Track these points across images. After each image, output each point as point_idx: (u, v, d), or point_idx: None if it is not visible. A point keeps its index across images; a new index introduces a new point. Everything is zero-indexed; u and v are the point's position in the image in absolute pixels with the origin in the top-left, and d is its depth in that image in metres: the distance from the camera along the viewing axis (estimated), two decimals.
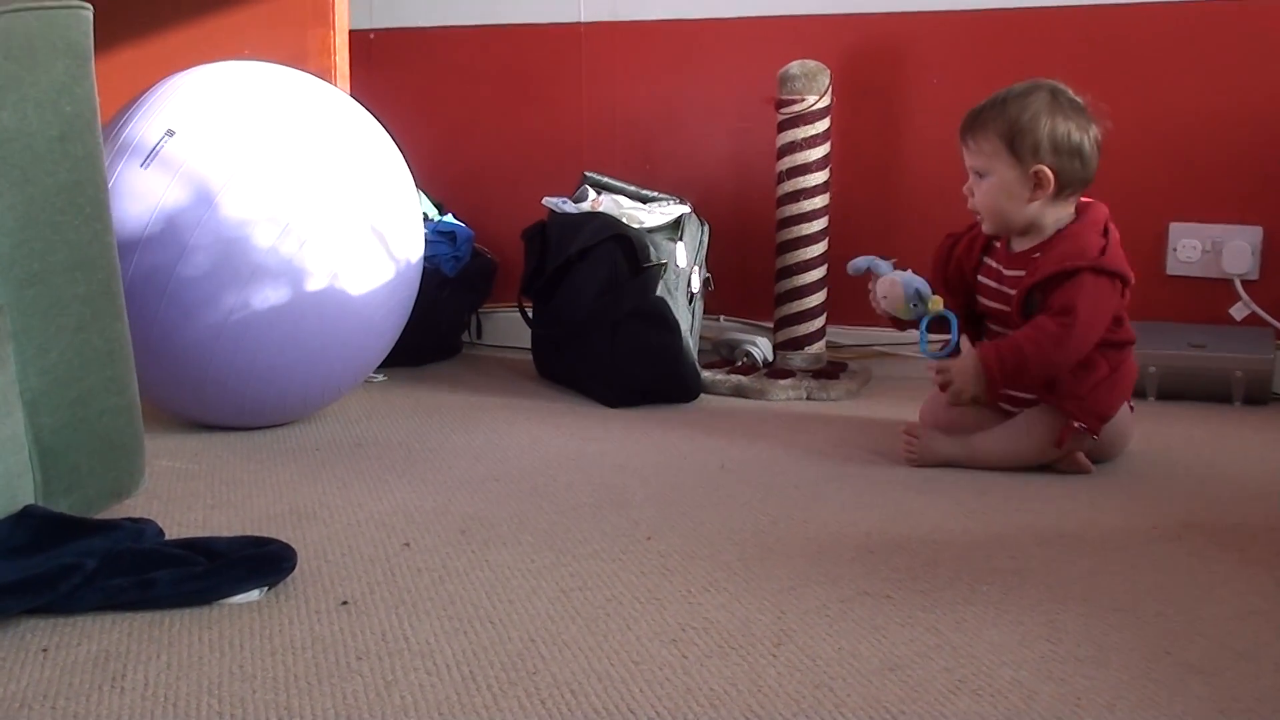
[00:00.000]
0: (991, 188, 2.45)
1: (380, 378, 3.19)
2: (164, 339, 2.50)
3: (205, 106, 2.54)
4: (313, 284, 2.52)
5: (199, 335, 2.49)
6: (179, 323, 2.49)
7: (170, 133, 2.47)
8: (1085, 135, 2.41)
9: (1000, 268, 2.51)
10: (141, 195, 2.44)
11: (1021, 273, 2.44)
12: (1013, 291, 2.44)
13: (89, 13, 2.00)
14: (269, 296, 2.49)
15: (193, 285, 2.46)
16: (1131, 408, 2.53)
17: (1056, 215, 2.44)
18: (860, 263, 2.56)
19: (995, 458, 2.45)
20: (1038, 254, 2.43)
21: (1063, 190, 2.41)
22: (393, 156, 2.74)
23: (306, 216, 2.49)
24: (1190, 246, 3.16)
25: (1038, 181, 2.40)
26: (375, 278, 2.63)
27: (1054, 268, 2.37)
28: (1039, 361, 2.35)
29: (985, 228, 2.52)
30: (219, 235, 2.45)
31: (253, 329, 2.50)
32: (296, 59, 3.03)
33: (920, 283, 2.48)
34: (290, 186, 2.50)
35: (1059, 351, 2.34)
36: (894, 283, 2.51)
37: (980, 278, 2.56)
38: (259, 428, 2.72)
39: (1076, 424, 2.39)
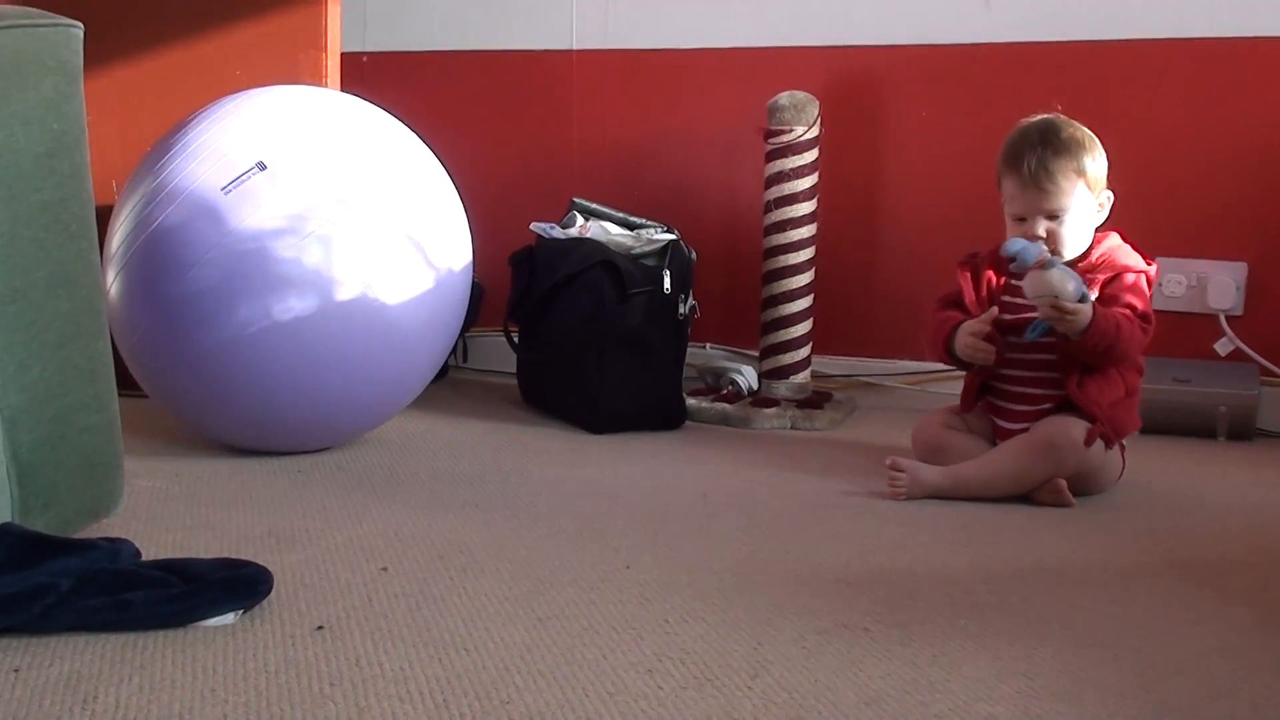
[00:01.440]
0: (1072, 223, 2.52)
1: None
2: (181, 350, 2.50)
3: (304, 146, 2.55)
4: (342, 294, 2.50)
5: (211, 347, 2.48)
6: (192, 333, 2.49)
7: (262, 166, 2.46)
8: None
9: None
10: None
11: None
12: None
13: (79, 31, 2.00)
14: (292, 307, 2.48)
15: (205, 296, 2.46)
16: (1123, 445, 2.53)
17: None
18: (1015, 246, 2.47)
19: (981, 485, 2.45)
20: (1083, 260, 2.53)
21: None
22: (429, 164, 2.74)
23: (334, 222, 2.49)
24: (1175, 281, 3.16)
25: (1100, 205, 2.55)
26: (413, 289, 2.59)
27: (1121, 265, 2.51)
28: (1124, 342, 2.43)
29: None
30: (234, 246, 2.45)
31: (273, 342, 2.48)
32: (288, 81, 3.03)
33: (1077, 281, 2.44)
34: (316, 190, 2.50)
35: (1134, 345, 2.47)
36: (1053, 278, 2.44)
37: (1006, 297, 2.60)
38: (286, 453, 2.70)
39: (1099, 428, 2.44)
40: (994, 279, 2.63)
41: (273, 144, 2.51)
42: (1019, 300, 2.54)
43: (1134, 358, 2.50)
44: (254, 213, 2.45)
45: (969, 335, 2.56)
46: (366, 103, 2.75)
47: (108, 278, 2.57)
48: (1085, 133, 2.55)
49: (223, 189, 2.46)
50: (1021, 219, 2.53)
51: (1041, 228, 2.51)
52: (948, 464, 2.51)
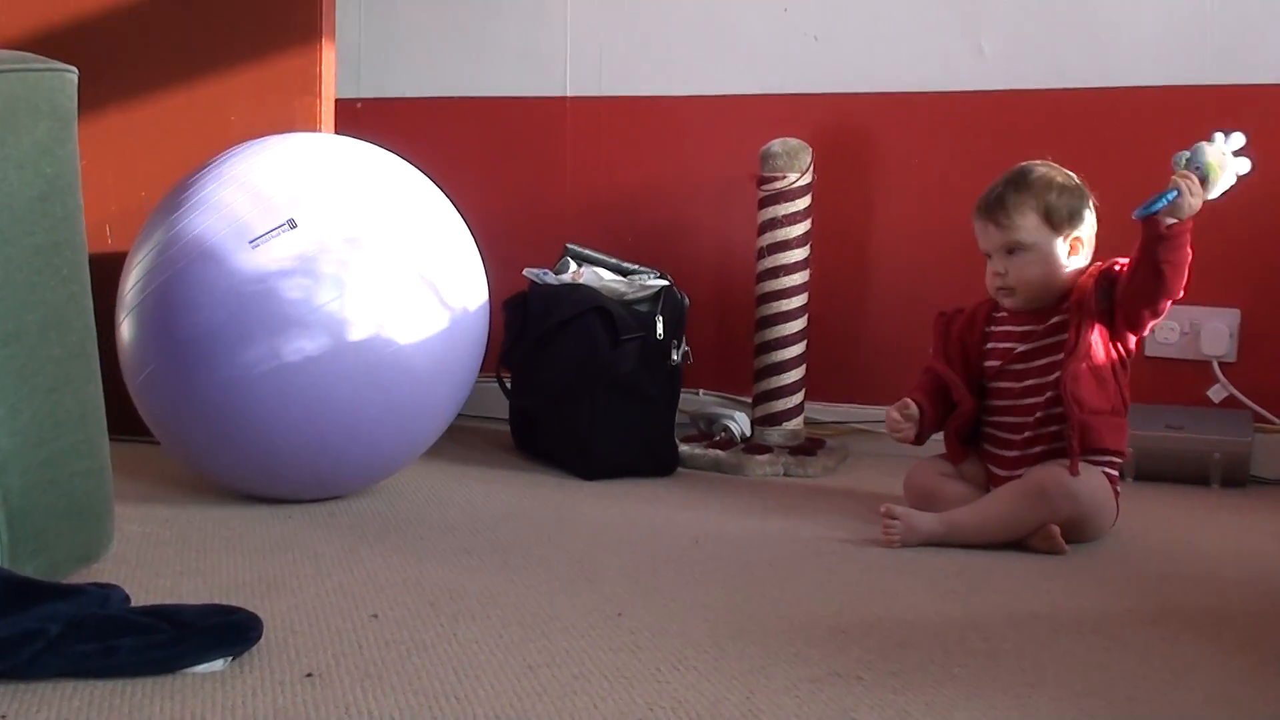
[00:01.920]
0: (1029, 260, 2.55)
1: None
2: (181, 393, 2.51)
3: (320, 191, 2.56)
4: (354, 337, 2.49)
5: (213, 389, 2.48)
6: (196, 375, 2.49)
7: (292, 224, 2.47)
8: (1090, 203, 2.59)
9: (1018, 328, 2.61)
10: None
11: (1053, 320, 2.57)
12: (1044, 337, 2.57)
13: (74, 76, 2.00)
14: (301, 349, 2.47)
15: (213, 336, 2.46)
16: (1118, 491, 2.53)
17: (1075, 278, 2.57)
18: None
19: (975, 531, 2.44)
20: (1065, 303, 2.55)
21: (1085, 255, 2.58)
22: (442, 206, 2.75)
23: (347, 264, 2.49)
24: (1168, 328, 3.16)
25: (1072, 248, 2.55)
26: (427, 331, 2.59)
27: (1108, 264, 2.55)
28: (1186, 259, 2.44)
29: (1013, 303, 2.60)
30: (243, 286, 2.45)
31: (277, 386, 2.48)
32: (282, 127, 3.04)
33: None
34: (328, 235, 2.50)
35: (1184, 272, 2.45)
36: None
37: (991, 344, 2.64)
38: (292, 501, 2.69)
39: (1076, 461, 2.45)
40: (972, 328, 2.67)
41: (290, 194, 2.52)
42: (1004, 345, 2.60)
43: (1180, 286, 2.45)
44: (269, 258, 2.45)
45: (892, 412, 2.65)
46: (378, 148, 2.76)
47: (119, 320, 2.57)
48: (1064, 177, 2.59)
49: (250, 243, 2.46)
50: (988, 255, 2.60)
51: (1001, 264, 2.57)
52: (941, 511, 2.51)
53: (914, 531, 2.45)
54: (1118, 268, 2.51)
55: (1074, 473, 2.43)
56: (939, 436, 2.68)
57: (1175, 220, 2.39)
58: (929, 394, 2.66)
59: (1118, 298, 2.49)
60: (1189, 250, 2.42)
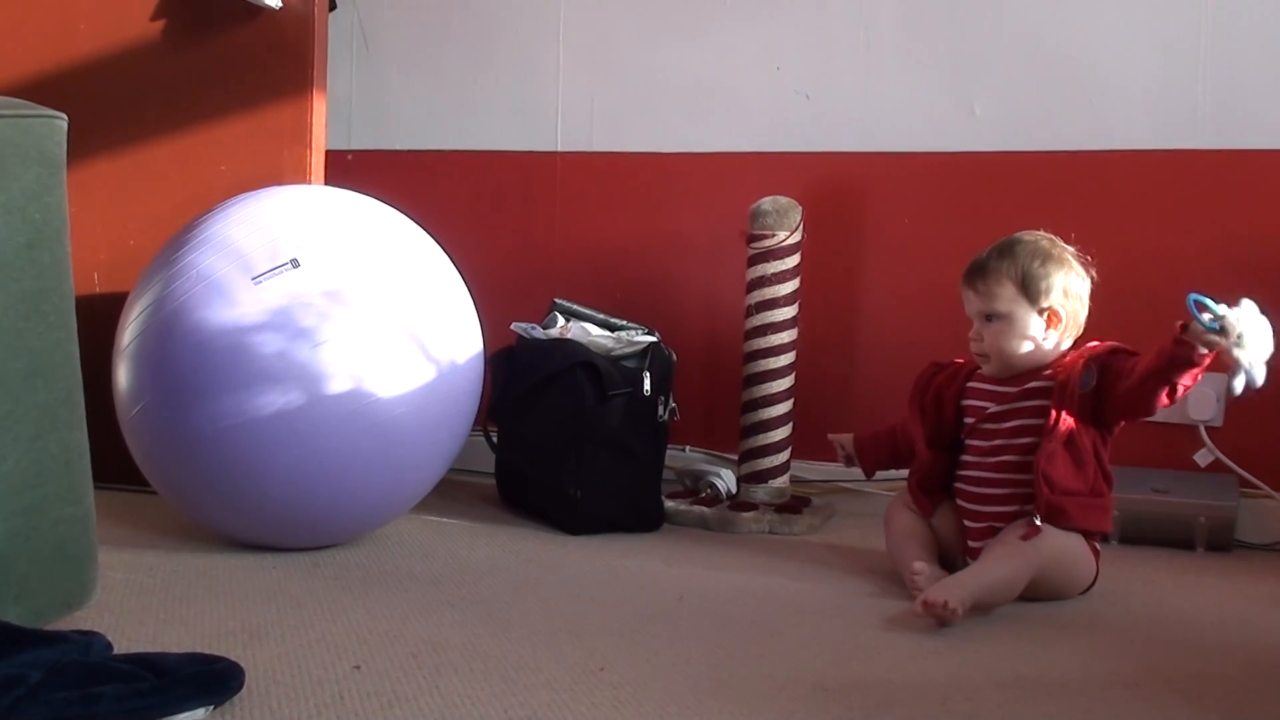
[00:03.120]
0: (1003, 328, 2.58)
1: None
2: (174, 437, 2.51)
3: (325, 239, 2.58)
4: (345, 385, 2.50)
5: (206, 435, 2.48)
6: (189, 420, 2.49)
7: (295, 263, 2.47)
8: (1085, 281, 2.60)
9: (995, 388, 2.64)
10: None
11: (1028, 385, 2.59)
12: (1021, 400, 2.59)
13: (63, 123, 2.01)
14: (292, 401, 2.47)
15: (203, 384, 2.47)
16: (1097, 553, 2.54)
17: (1057, 353, 2.59)
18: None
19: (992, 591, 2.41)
20: (1044, 373, 2.58)
21: (1065, 330, 2.58)
22: (435, 258, 2.77)
23: (339, 318, 2.50)
24: None
25: (1049, 321, 2.56)
26: (418, 383, 2.59)
27: (1107, 350, 2.55)
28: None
29: (989, 369, 2.64)
30: (234, 336, 2.46)
31: (269, 433, 2.48)
32: (273, 177, 3.05)
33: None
34: (321, 285, 2.51)
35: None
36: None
37: (968, 400, 2.67)
38: (281, 549, 2.69)
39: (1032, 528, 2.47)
40: (953, 381, 2.71)
41: (297, 239, 2.54)
42: (978, 404, 2.65)
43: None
44: (263, 306, 2.46)
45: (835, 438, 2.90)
46: (376, 200, 2.77)
47: (116, 364, 2.58)
48: (1052, 248, 2.59)
49: (254, 279, 2.47)
50: (971, 319, 2.64)
51: (978, 330, 2.61)
52: (914, 550, 2.58)
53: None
54: (1118, 360, 2.52)
55: (1024, 537, 2.45)
56: None
57: (1206, 350, 2.32)
58: (885, 433, 2.85)
59: (1110, 391, 2.49)
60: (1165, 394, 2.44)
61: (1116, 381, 2.48)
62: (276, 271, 2.47)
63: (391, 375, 2.53)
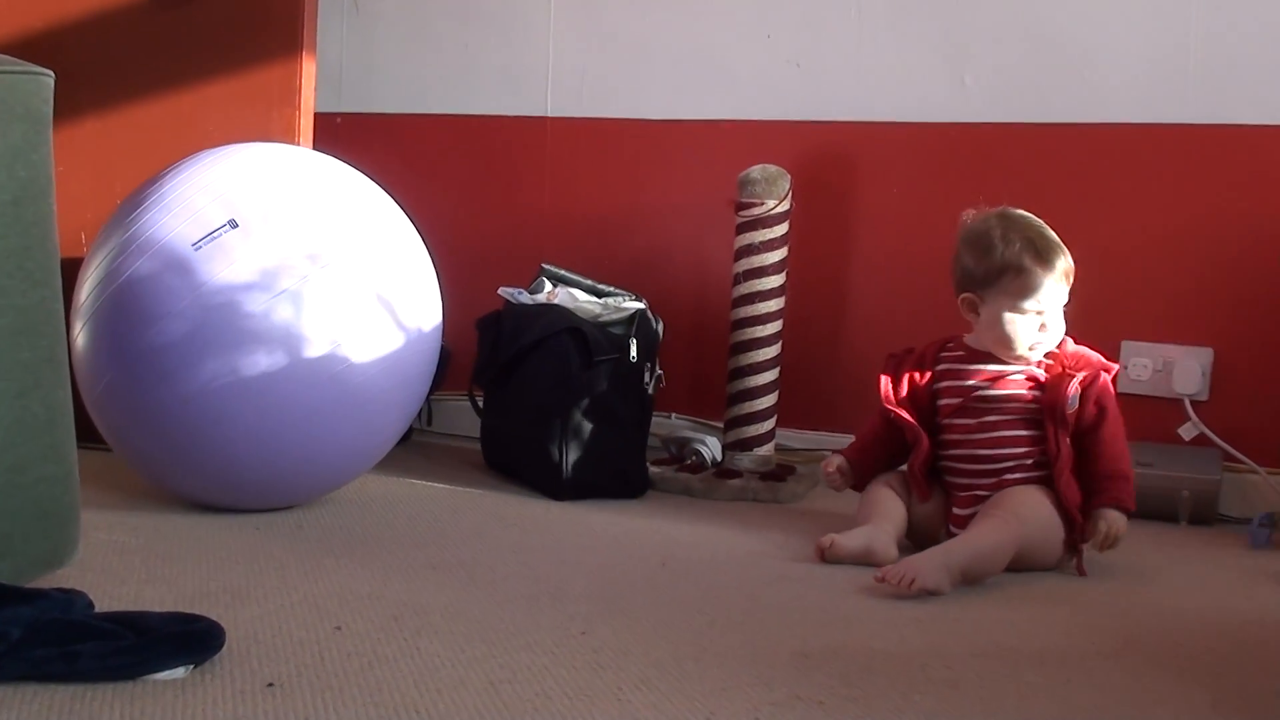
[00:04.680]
0: (1060, 316, 2.61)
1: None
2: (145, 403, 2.50)
3: (277, 203, 2.56)
4: (309, 353, 2.49)
5: (175, 401, 2.47)
6: (156, 386, 2.48)
7: (234, 224, 2.46)
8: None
9: (981, 366, 2.65)
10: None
11: (1027, 366, 2.62)
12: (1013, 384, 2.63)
13: (50, 80, 2.00)
14: (258, 364, 2.47)
15: (171, 349, 2.45)
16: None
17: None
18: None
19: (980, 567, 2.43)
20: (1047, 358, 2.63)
21: None
22: (401, 224, 2.75)
23: (305, 279, 2.49)
24: (1141, 365, 3.18)
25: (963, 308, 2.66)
26: (380, 350, 2.59)
27: (1093, 372, 2.58)
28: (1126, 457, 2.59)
29: (1033, 357, 2.63)
30: (203, 299, 2.45)
31: (237, 398, 2.48)
32: (260, 137, 3.04)
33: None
34: (287, 247, 2.50)
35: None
36: None
37: (946, 382, 2.69)
38: (247, 510, 2.68)
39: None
40: (922, 374, 2.73)
41: (245, 200, 2.52)
42: (959, 383, 2.67)
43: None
44: (224, 268, 2.44)
45: (828, 467, 2.80)
46: (340, 162, 2.76)
47: (74, 328, 2.56)
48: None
49: (194, 245, 2.46)
50: (1038, 311, 2.62)
51: (1048, 321, 2.62)
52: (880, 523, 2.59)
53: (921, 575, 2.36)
54: (1099, 424, 2.58)
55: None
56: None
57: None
58: (872, 442, 2.79)
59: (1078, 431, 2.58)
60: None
61: (1086, 438, 2.58)
62: (216, 235, 2.46)
63: (356, 339, 2.53)
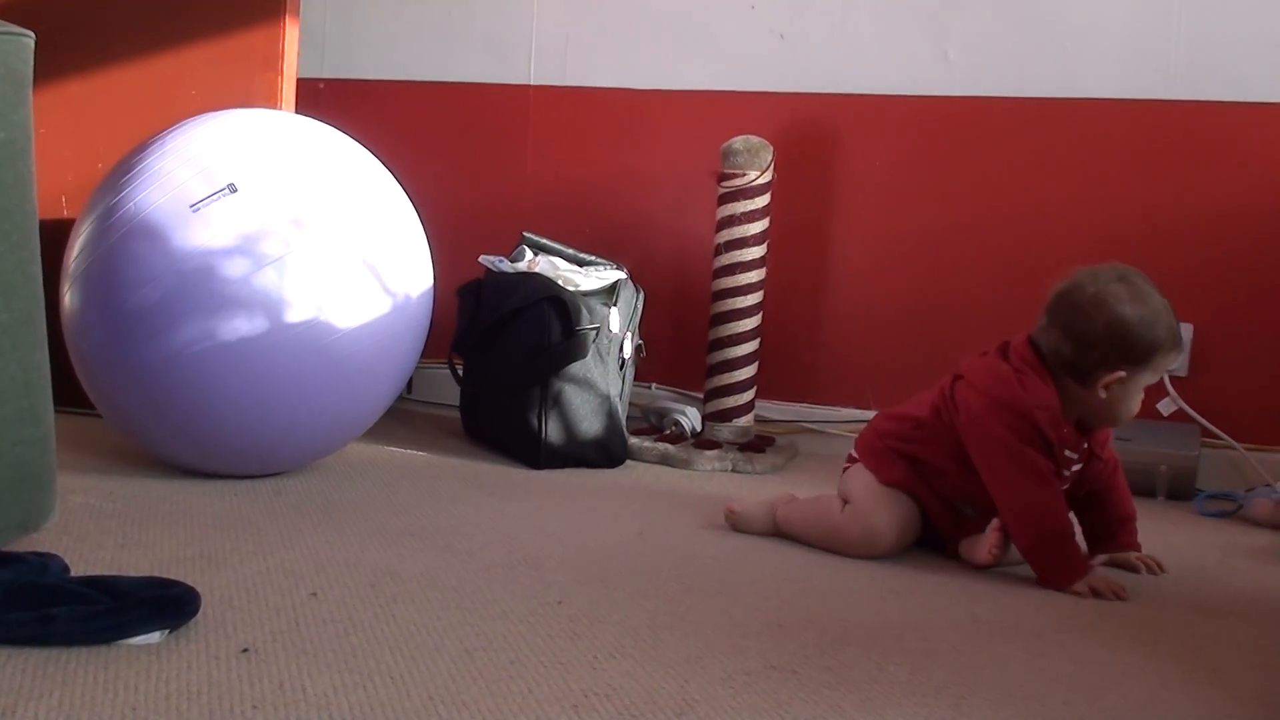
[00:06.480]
0: None
1: None
2: (129, 363, 2.49)
3: (269, 169, 2.55)
4: (294, 318, 2.49)
5: (158, 362, 2.47)
6: (137, 349, 2.47)
7: (233, 188, 2.46)
8: None
9: (1080, 442, 2.43)
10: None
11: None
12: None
13: (30, 41, 1.99)
14: (240, 328, 2.46)
15: (155, 311, 2.45)
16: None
17: None
18: None
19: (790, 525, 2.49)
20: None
21: None
22: (393, 190, 2.75)
23: (290, 244, 2.48)
24: None
25: None
26: (367, 317, 2.58)
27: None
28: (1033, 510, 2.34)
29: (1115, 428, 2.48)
30: (187, 264, 2.44)
31: (218, 362, 2.47)
32: (243, 103, 3.03)
33: None
34: (275, 212, 2.49)
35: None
36: None
37: (1065, 451, 2.41)
38: (230, 476, 2.68)
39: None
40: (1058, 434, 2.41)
41: (239, 165, 2.51)
42: (1070, 454, 2.42)
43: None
44: (211, 232, 2.44)
45: (1103, 581, 2.30)
46: (331, 128, 2.75)
47: (62, 290, 2.56)
48: None
49: (191, 206, 2.45)
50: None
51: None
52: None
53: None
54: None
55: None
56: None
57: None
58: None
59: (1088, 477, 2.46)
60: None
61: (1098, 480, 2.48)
62: (215, 197, 2.46)
63: (343, 304, 2.53)
